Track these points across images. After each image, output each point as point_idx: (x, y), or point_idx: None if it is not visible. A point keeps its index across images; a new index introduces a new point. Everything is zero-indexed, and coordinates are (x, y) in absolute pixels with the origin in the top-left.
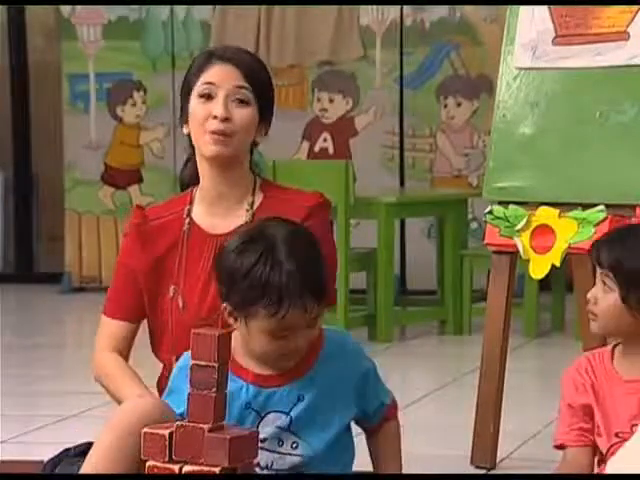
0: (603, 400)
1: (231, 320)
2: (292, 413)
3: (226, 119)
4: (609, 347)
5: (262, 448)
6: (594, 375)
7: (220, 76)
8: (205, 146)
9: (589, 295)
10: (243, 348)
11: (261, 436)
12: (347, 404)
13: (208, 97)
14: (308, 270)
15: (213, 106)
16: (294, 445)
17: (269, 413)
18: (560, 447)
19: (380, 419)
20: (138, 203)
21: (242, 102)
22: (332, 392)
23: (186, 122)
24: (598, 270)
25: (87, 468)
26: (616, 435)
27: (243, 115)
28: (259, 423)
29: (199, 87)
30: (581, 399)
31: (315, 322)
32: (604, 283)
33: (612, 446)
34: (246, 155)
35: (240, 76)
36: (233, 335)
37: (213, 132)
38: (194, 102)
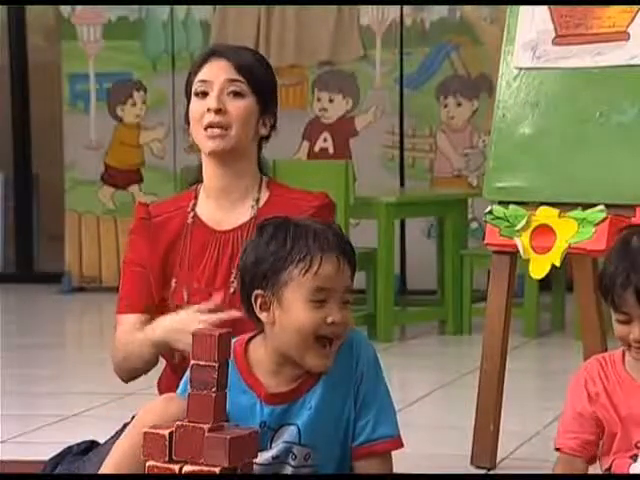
0: (619, 407)
1: (263, 314)
2: (299, 422)
3: (219, 110)
4: (619, 350)
5: (276, 464)
6: (607, 380)
7: (213, 72)
8: (203, 142)
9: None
10: (264, 363)
11: (273, 452)
12: (349, 404)
13: (204, 94)
14: (336, 230)
15: (208, 101)
16: (307, 457)
17: (282, 426)
18: (558, 450)
19: (363, 445)
20: (140, 200)
21: (237, 94)
22: (337, 392)
23: (189, 122)
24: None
25: (108, 468)
26: (636, 446)
27: (239, 106)
28: (273, 437)
29: (195, 85)
30: (594, 408)
31: (348, 302)
32: None
33: (632, 457)
34: (249, 148)
35: (233, 70)
36: (253, 348)
37: (209, 126)
38: (192, 101)
